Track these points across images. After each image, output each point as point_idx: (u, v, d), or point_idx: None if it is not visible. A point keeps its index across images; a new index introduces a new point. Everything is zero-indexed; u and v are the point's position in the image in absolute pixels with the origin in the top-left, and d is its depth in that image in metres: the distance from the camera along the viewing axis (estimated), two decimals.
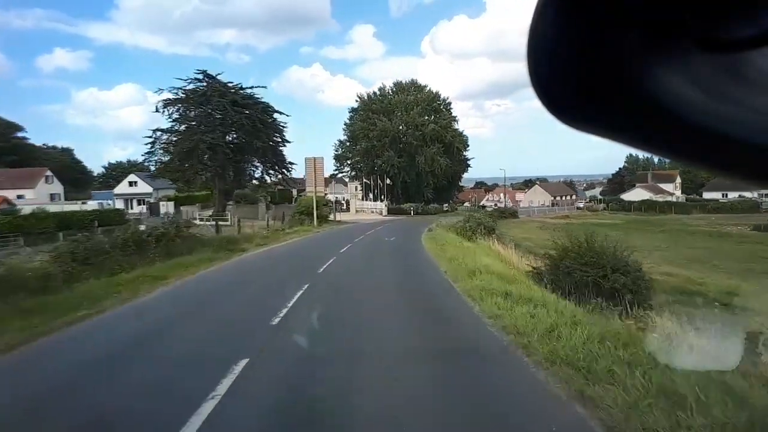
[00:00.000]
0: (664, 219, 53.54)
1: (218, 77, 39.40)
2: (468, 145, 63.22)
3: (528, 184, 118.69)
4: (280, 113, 43.05)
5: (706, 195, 72.21)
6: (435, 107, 62.13)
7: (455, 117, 62.12)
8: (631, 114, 0.34)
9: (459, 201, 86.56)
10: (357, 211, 56.34)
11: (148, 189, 53.74)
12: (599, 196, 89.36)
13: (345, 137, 65.57)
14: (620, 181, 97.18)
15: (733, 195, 67.95)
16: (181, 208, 43.59)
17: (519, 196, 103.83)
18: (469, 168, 68.58)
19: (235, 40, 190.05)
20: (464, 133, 63.34)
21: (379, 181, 57.28)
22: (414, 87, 62.70)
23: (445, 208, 69.24)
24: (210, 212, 38.96)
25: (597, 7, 0.32)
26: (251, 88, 40.92)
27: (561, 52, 0.35)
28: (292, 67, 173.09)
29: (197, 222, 29.25)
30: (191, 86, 38.48)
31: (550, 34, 0.35)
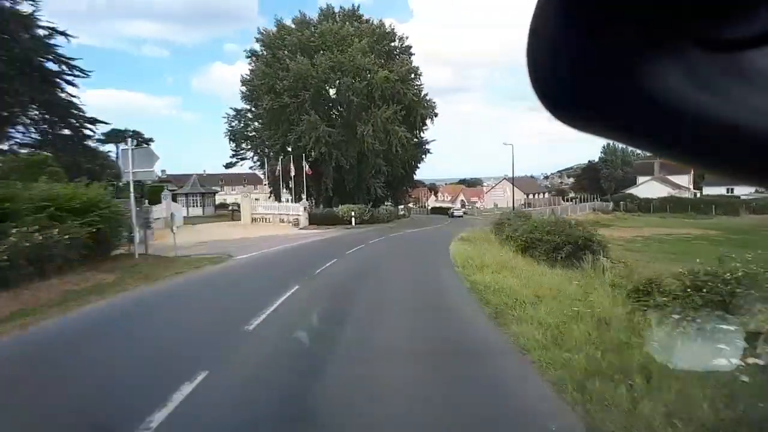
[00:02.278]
0: (740, 223, 34.97)
1: None
2: (436, 113, 40.67)
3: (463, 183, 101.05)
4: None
5: (706, 190, 57.29)
6: (387, 50, 38.95)
7: (417, 69, 39.23)
8: (630, 113, 0.34)
9: (411, 201, 64.33)
10: (254, 221, 31.27)
11: None
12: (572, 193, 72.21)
13: (244, 104, 40.39)
14: (596, 175, 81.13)
15: (742, 191, 51.76)
16: None
17: (475, 196, 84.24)
18: (428, 153, 45.79)
19: (152, 34, 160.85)
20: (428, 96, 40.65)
21: (292, 168, 32.63)
22: (353, 17, 39.02)
23: (401, 212, 46.19)
24: None
25: (597, 7, 0.32)
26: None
27: (560, 51, 0.35)
28: (215, 64, 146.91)
29: None
30: None
31: (550, 33, 0.35)
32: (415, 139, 41.18)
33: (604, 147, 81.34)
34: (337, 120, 36.37)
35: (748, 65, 0.31)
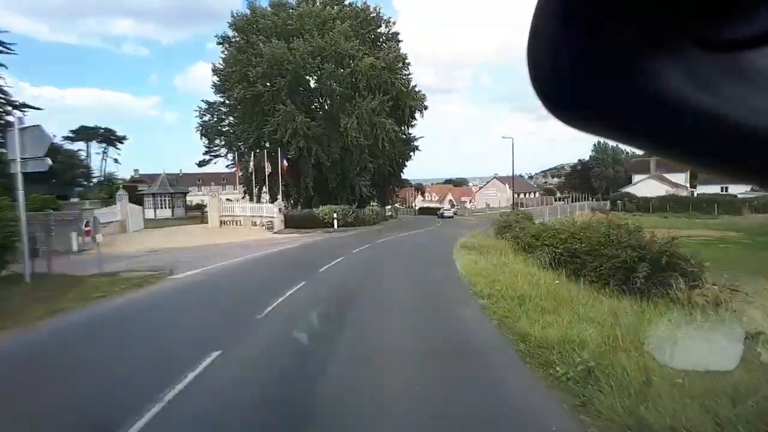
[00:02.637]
0: (752, 223, 32.71)
1: None
2: (425, 106, 37.47)
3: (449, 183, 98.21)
4: None
5: (700, 188, 55.48)
6: (373, 37, 35.64)
7: (405, 56, 35.92)
8: (630, 113, 0.34)
9: (398, 201, 61.17)
10: (223, 224, 27.67)
11: None
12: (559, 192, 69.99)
13: (218, 96, 36.49)
14: (587, 174, 79.33)
15: (737, 190, 49.93)
16: None
17: (464, 195, 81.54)
18: (417, 150, 42.49)
19: (131, 31, 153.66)
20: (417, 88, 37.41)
21: (267, 165, 29.03)
22: (335, 0, 35.53)
23: (388, 213, 42.94)
24: None
25: (597, 7, 0.32)
26: None
27: (560, 51, 0.35)
28: (197, 63, 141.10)
29: None
30: None
31: (550, 33, 0.35)
32: (403, 135, 38.01)
33: (595, 145, 79.63)
34: (317, 111, 32.94)
35: (748, 65, 0.31)
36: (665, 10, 0.31)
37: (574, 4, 0.33)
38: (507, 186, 72.32)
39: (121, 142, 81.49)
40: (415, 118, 38.04)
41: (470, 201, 69.16)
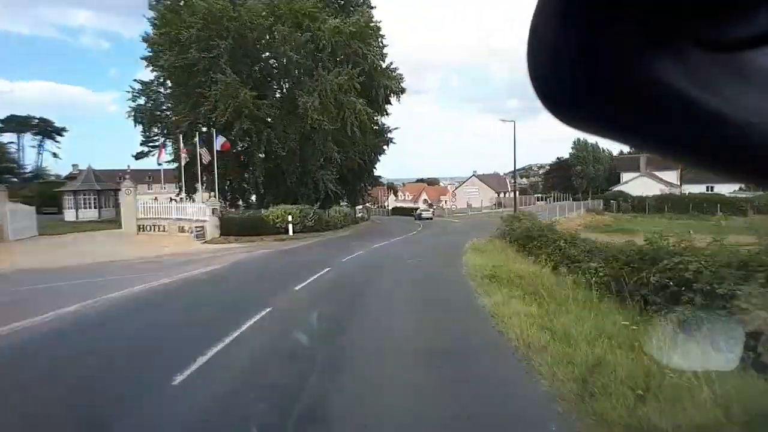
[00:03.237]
0: None
1: None
2: (403, 89, 31.49)
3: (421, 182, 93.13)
4: None
5: (686, 188, 52.38)
6: (342, 3, 29.33)
7: (379, 24, 29.65)
8: (630, 113, 0.34)
9: (371, 200, 55.02)
10: (141, 229, 20.86)
11: None
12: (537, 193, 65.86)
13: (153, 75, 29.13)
14: (566, 172, 75.72)
15: (724, 188, 46.77)
16: None
17: (440, 194, 76.57)
18: (391, 143, 36.34)
19: (91, 23, 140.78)
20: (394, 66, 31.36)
21: (202, 154, 22.22)
22: None
23: (359, 213, 36.80)
24: None
25: (597, 7, 0.32)
26: None
27: (560, 51, 0.34)
28: None
29: None
30: None
31: (550, 33, 0.35)
32: (375, 127, 31.97)
33: (575, 143, 76.07)
34: (270, 87, 26.41)
35: (748, 65, 0.31)
36: (665, 11, 0.31)
37: (574, 4, 0.33)
38: (487, 185, 67.64)
39: (61, 135, 71.63)
40: (390, 102, 32.11)
41: (447, 201, 63.84)
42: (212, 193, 22.00)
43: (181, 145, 23.46)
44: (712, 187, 49.11)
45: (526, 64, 0.36)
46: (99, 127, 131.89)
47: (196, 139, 22.28)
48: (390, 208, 68.68)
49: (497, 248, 14.19)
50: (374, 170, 37.00)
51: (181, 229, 20.66)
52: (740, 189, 47.48)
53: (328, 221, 25.54)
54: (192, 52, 23.61)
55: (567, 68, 0.34)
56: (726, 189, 45.02)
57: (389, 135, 35.02)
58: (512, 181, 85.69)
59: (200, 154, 21.54)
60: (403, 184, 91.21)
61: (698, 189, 48.19)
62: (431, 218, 43.92)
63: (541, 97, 0.36)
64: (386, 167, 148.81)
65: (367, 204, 48.09)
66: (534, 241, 11.83)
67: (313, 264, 12.08)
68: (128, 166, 56.07)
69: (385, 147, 35.43)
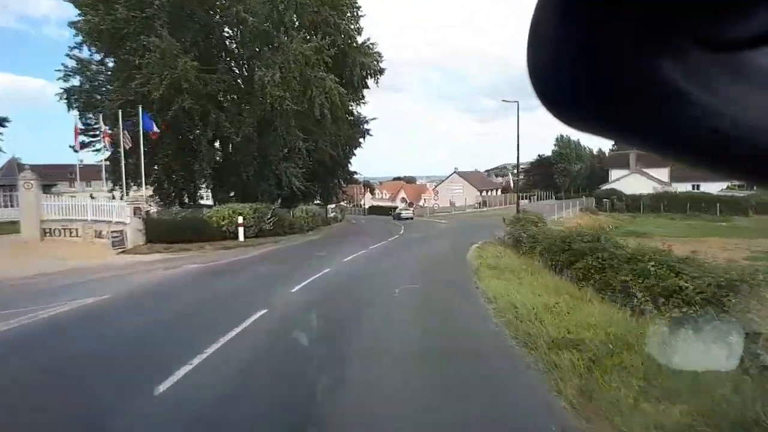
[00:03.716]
0: None
1: None
2: (381, 70, 27.31)
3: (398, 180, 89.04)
4: None
5: (674, 186, 50.32)
6: None
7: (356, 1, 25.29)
8: (630, 113, 0.34)
9: (346, 199, 50.65)
10: (47, 233, 15.91)
11: None
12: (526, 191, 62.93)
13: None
14: (548, 170, 73.23)
15: (711, 186, 44.68)
16: None
17: (420, 193, 72.70)
18: (368, 135, 32.05)
19: (55, 13, 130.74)
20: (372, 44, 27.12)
21: (123, 137, 17.53)
22: None
23: (332, 213, 32.45)
24: None
25: (597, 6, 0.32)
26: None
27: (560, 49, 0.34)
28: None
29: None
30: None
31: (550, 32, 0.35)
32: (350, 116, 27.76)
33: (557, 140, 73.69)
34: (220, 58, 21.73)
35: (748, 65, 0.31)
36: (665, 9, 0.31)
37: (574, 3, 0.33)
38: (470, 183, 64.13)
39: (3, 125, 64.36)
40: (367, 86, 27.91)
41: (428, 199, 60.04)
42: (135, 188, 17.27)
43: (103, 128, 18.60)
44: (698, 186, 47.02)
45: (525, 64, 0.36)
46: (52, 120, 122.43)
47: (120, 121, 17.45)
48: (366, 207, 64.40)
49: (516, 263, 10.19)
50: (349, 165, 32.77)
51: (99, 234, 15.91)
52: (727, 187, 45.46)
53: (292, 223, 21.15)
54: (120, 10, 18.79)
55: (567, 67, 0.34)
56: (713, 188, 42.88)
57: (366, 126, 30.92)
58: (495, 179, 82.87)
59: (122, 139, 16.75)
60: (380, 182, 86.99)
61: (685, 187, 46.04)
62: (412, 218, 39.96)
63: (541, 97, 0.36)
64: (362, 164, 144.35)
65: (342, 203, 43.77)
66: (584, 259, 7.84)
67: (239, 301, 7.67)
68: (81, 160, 49.63)
69: (361, 140, 31.25)
